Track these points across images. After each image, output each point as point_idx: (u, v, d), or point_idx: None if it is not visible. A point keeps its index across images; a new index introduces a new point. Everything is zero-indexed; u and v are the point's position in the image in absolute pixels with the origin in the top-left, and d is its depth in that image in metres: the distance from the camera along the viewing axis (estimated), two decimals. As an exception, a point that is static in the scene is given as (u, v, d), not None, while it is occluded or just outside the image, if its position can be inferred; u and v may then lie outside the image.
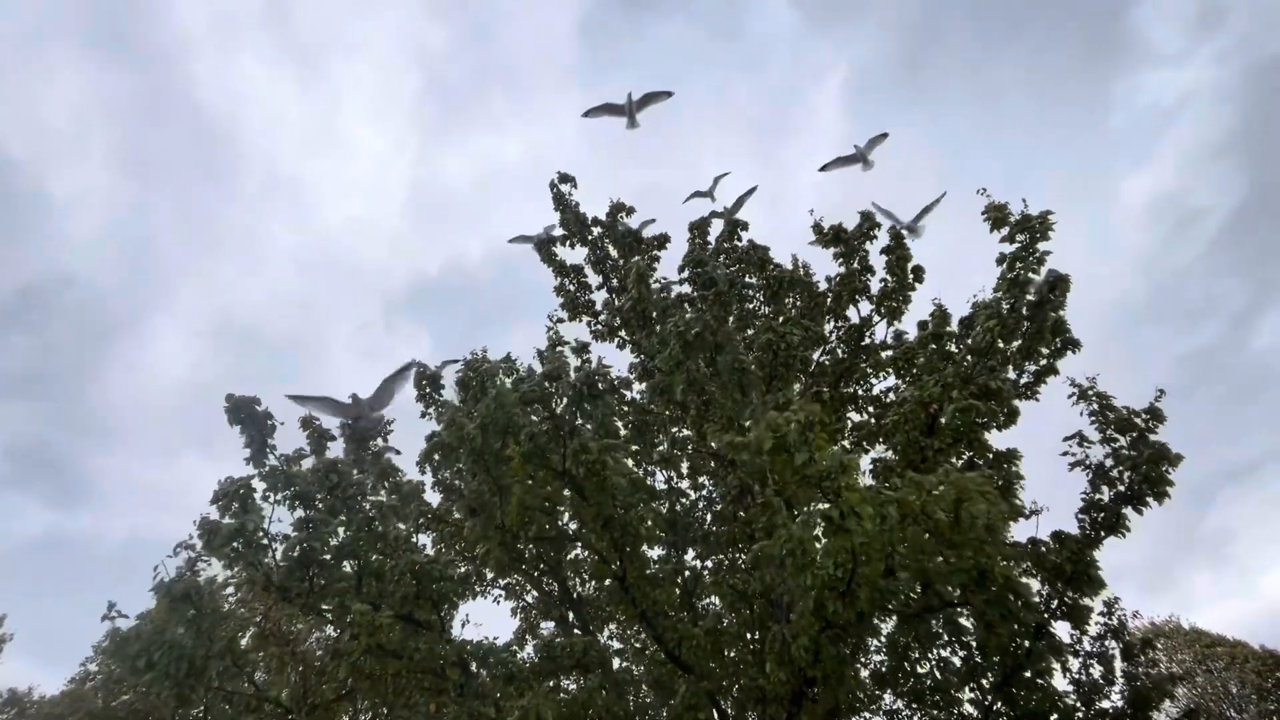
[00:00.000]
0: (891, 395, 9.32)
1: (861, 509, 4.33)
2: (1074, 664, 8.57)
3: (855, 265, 9.54)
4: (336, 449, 7.57)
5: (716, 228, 11.11)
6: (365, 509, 6.10)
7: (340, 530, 5.90)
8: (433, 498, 9.17)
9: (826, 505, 4.62)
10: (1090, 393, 7.36)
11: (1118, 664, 8.52)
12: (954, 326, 8.70)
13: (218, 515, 5.75)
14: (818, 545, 4.77)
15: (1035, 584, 6.76)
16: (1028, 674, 6.33)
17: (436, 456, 6.47)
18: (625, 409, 10.11)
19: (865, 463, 8.68)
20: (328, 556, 5.71)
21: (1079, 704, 8.17)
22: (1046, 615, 6.56)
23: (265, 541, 5.74)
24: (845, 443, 9.18)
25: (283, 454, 6.11)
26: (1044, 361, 8.09)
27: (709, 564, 9.20)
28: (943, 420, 7.11)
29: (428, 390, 8.98)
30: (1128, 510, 6.80)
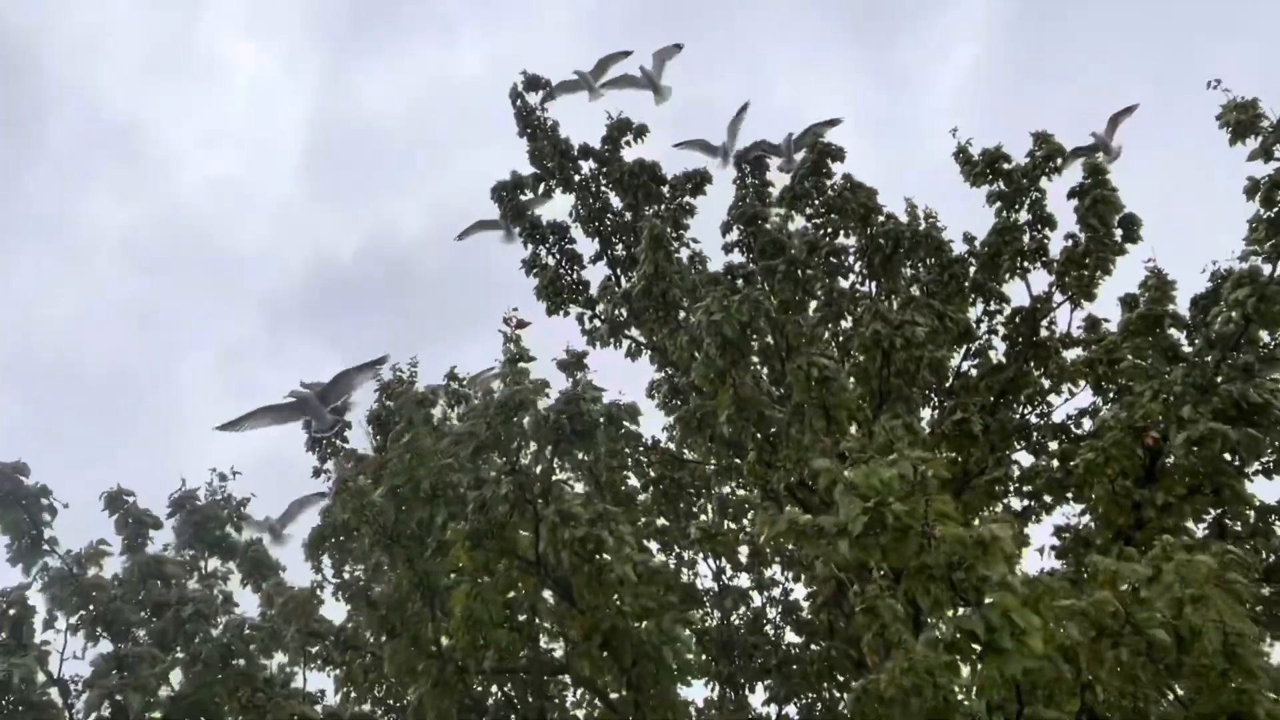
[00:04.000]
0: (1086, 421, 9.25)
1: (1023, 617, 4.30)
2: None
3: (1023, 213, 9.52)
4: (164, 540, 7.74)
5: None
6: (218, 636, 6.21)
7: (174, 672, 5.98)
8: (337, 612, 9.29)
9: (967, 611, 4.61)
10: None
11: None
12: (1181, 308, 8.64)
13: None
14: (959, 676, 4.75)
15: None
16: None
17: (330, 545, 6.57)
18: (642, 458, 10.17)
19: (1045, 533, 8.59)
20: (156, 717, 5.79)
21: None
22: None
23: (51, 696, 5.75)
24: (1010, 504, 9.10)
25: (70, 550, 6.22)
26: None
27: (790, 710, 9.21)
28: (1169, 458, 7.04)
29: (319, 435, 9.16)
30: None
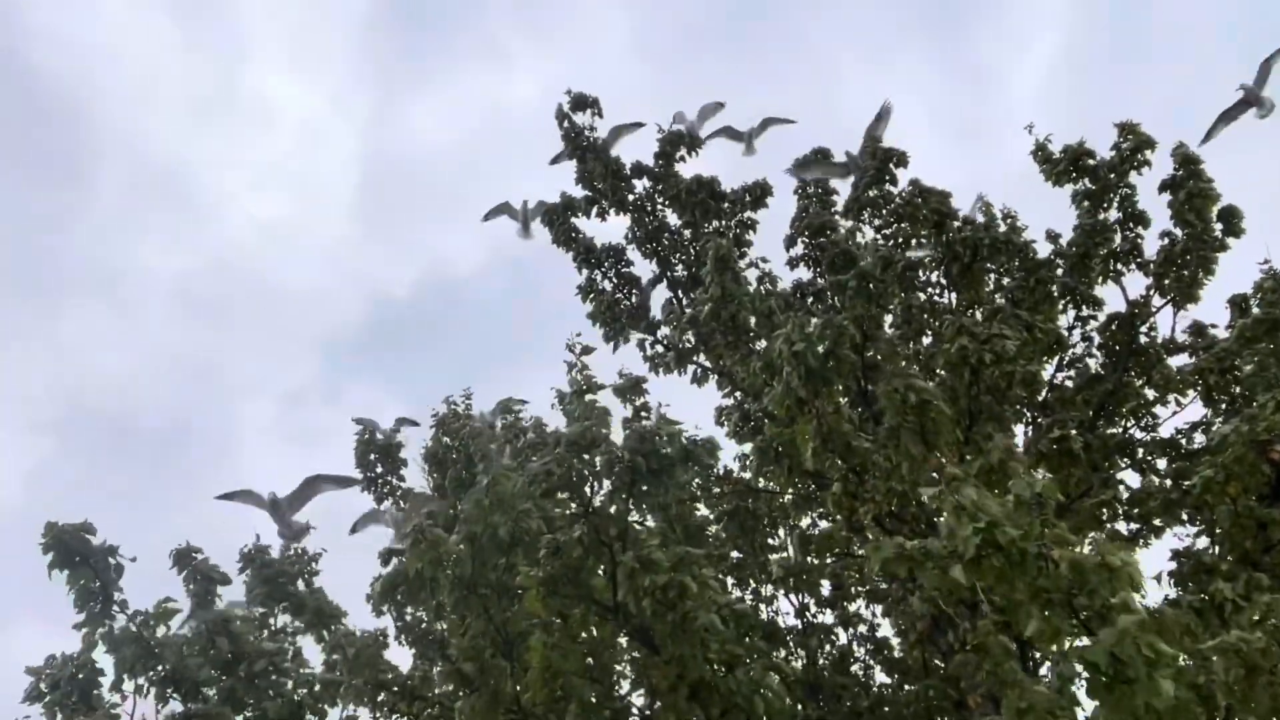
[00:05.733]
0: (1199, 435, 9.06)
1: (1152, 645, 4.21)
2: None
3: (1112, 211, 9.43)
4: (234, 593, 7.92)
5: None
6: (288, 690, 6.32)
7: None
8: (401, 658, 9.39)
9: (1086, 642, 4.53)
10: None
11: None
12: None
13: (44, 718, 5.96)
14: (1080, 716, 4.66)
15: None
16: None
17: (399, 594, 6.66)
18: (714, 488, 10.13)
19: (1160, 558, 8.38)
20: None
21: None
22: None
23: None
24: (1119, 527, 8.91)
25: (138, 611, 6.38)
26: None
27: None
28: (1298, 474, 6.87)
29: (377, 469, 9.28)
30: None
